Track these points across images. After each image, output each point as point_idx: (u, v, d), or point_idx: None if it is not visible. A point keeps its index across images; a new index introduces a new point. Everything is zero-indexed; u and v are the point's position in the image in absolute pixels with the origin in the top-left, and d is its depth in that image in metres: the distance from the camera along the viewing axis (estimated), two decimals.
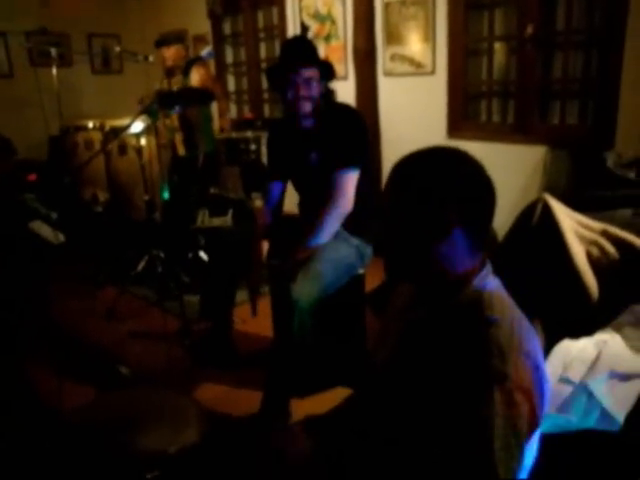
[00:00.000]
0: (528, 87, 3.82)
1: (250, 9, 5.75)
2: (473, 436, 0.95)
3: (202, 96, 4.22)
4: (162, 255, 3.82)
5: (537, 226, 1.90)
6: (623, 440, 1.49)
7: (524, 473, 1.01)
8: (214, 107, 5.00)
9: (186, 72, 4.08)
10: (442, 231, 1.04)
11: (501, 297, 1.07)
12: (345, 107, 2.59)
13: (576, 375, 1.66)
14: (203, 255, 4.00)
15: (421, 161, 1.09)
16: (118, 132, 4.10)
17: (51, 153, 5.73)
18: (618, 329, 1.79)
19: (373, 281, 2.62)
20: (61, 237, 4.32)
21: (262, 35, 5.84)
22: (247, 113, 5.89)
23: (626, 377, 1.64)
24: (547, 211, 1.88)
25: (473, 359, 0.97)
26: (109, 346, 3.13)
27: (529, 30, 3.69)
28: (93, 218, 4.65)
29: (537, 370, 0.99)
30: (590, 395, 1.60)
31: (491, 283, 1.09)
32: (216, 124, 5.01)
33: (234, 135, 4.82)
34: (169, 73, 4.36)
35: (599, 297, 1.83)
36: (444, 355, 1.02)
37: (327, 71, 2.46)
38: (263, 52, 5.88)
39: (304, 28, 5.08)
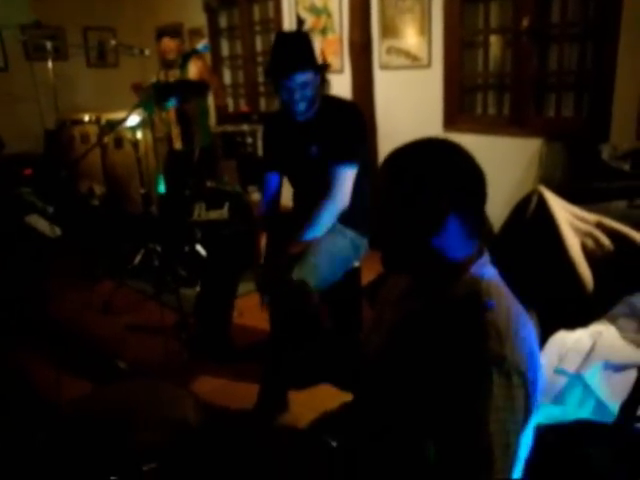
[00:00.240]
0: (524, 80, 3.83)
1: (246, 2, 5.73)
2: (470, 419, 0.96)
3: (198, 88, 4.21)
4: (159, 248, 3.81)
5: (532, 218, 1.91)
6: (617, 430, 1.50)
7: (520, 464, 1.03)
8: (211, 101, 5.00)
9: (182, 65, 4.07)
10: (436, 221, 1.05)
11: (498, 285, 1.09)
12: (343, 101, 2.58)
13: (571, 366, 1.68)
14: (200, 248, 4.00)
15: (413, 152, 1.11)
16: (114, 125, 4.09)
17: (47, 147, 5.71)
18: (613, 320, 1.80)
19: (369, 274, 2.62)
20: (57, 231, 4.32)
21: (258, 28, 5.83)
22: (243, 106, 5.88)
23: (620, 368, 1.66)
24: (542, 203, 1.89)
25: (471, 343, 0.98)
26: (106, 339, 3.14)
27: (524, 23, 3.69)
28: (89, 212, 4.65)
29: (532, 357, 1.00)
30: (585, 386, 1.61)
31: (489, 271, 1.11)
32: (214, 117, 5.01)
33: (230, 128, 4.81)
34: (168, 65, 4.35)
35: (594, 288, 1.83)
36: (442, 341, 1.03)
37: (321, 68, 2.44)
38: (259, 45, 5.87)
39: (300, 21, 5.06)
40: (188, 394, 1.70)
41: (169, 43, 4.53)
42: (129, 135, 3.80)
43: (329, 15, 4.82)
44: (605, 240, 1.88)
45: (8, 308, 3.40)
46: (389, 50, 4.44)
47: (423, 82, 4.30)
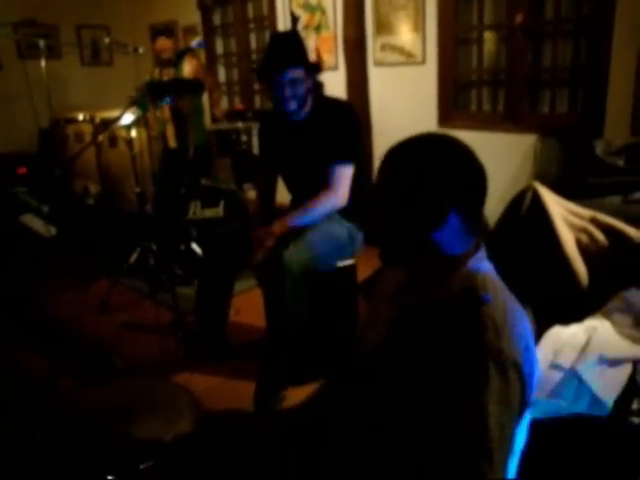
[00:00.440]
0: (518, 76, 3.83)
1: (240, 0, 5.71)
2: (468, 412, 0.96)
3: (193, 86, 4.20)
4: (154, 247, 3.81)
5: (527, 214, 1.91)
6: (611, 424, 1.51)
7: (515, 458, 1.03)
8: (205, 99, 4.99)
9: (177, 63, 4.06)
10: (438, 216, 1.05)
11: (494, 280, 1.09)
12: (338, 101, 2.59)
13: (566, 361, 1.68)
14: (195, 247, 4.00)
15: (413, 148, 1.10)
16: (108, 124, 4.08)
17: (41, 146, 5.69)
18: (607, 315, 1.81)
19: (365, 271, 2.62)
20: (53, 230, 4.31)
21: (252, 26, 5.82)
22: (238, 104, 5.88)
23: (615, 362, 1.67)
24: (537, 199, 1.90)
25: (467, 336, 0.99)
26: (103, 338, 3.13)
27: (518, 19, 3.69)
28: (85, 211, 4.64)
29: (528, 351, 1.01)
30: (580, 380, 1.62)
31: (485, 266, 1.11)
32: (208, 115, 5.00)
33: (225, 126, 4.80)
34: (163, 63, 4.34)
35: (588, 284, 1.84)
36: (439, 335, 1.03)
37: (313, 68, 2.45)
38: (253, 43, 5.86)
39: (294, 18, 5.06)
40: (185, 392, 1.70)
41: (165, 43, 4.52)
42: (123, 134, 3.79)
43: (323, 12, 4.81)
44: (599, 235, 1.89)
45: (4, 308, 3.39)
46: (383, 47, 4.44)
47: (417, 79, 4.30)
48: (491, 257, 1.16)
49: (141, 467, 1.34)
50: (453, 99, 4.24)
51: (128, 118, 3.45)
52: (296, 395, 2.37)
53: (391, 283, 1.29)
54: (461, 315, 1.02)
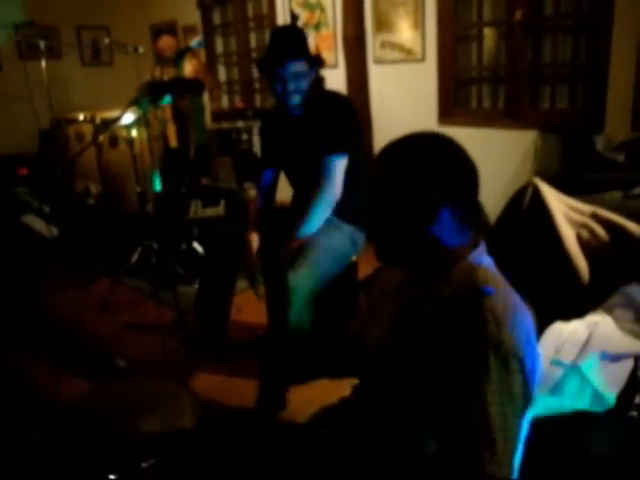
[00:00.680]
0: (518, 72, 3.83)
1: None
2: (469, 402, 0.97)
3: (193, 86, 4.21)
4: (156, 246, 3.81)
5: (527, 210, 1.91)
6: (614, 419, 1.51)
7: (518, 453, 1.03)
8: (206, 99, 4.99)
9: (177, 62, 4.07)
10: (430, 212, 1.07)
11: (495, 273, 1.11)
12: (335, 94, 2.58)
13: (568, 357, 1.68)
14: (197, 246, 4.00)
15: (406, 146, 1.13)
16: (109, 124, 4.08)
17: (42, 146, 5.70)
18: (609, 311, 1.81)
19: (366, 268, 2.62)
20: (54, 230, 4.33)
21: (252, 25, 5.82)
22: (238, 103, 5.88)
23: (617, 358, 1.66)
24: (537, 195, 1.89)
25: (468, 327, 1.00)
26: (104, 338, 3.14)
27: (518, 15, 3.69)
28: (86, 211, 4.65)
29: (529, 345, 1.02)
30: (582, 376, 1.62)
31: (485, 260, 1.13)
32: (208, 115, 5.00)
33: (225, 125, 4.80)
34: (164, 62, 4.35)
35: (590, 279, 1.84)
36: (441, 328, 1.04)
37: (316, 62, 2.44)
38: (253, 42, 5.86)
39: (294, 17, 5.06)
40: (186, 391, 1.71)
41: (169, 41, 4.53)
42: (124, 133, 3.80)
43: (322, 10, 4.81)
44: (600, 231, 1.89)
45: (6, 308, 3.40)
46: (383, 44, 4.44)
47: (417, 76, 4.30)
48: (492, 253, 1.17)
49: (143, 466, 1.34)
50: (453, 96, 4.23)
51: (128, 118, 3.46)
52: (298, 393, 2.37)
53: (392, 281, 1.29)
54: (462, 308, 1.03)
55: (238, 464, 1.32)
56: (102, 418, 1.52)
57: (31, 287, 3.80)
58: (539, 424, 1.39)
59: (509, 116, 3.91)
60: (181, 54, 4.06)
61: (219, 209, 4.12)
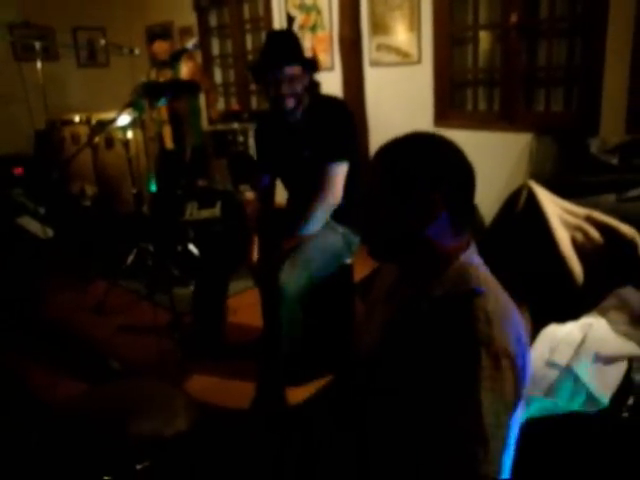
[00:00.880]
0: (513, 75, 3.84)
1: (236, 1, 5.71)
2: (461, 399, 0.97)
3: (189, 88, 4.21)
4: (151, 248, 3.81)
5: (522, 212, 1.92)
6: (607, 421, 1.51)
7: (510, 453, 1.04)
8: (202, 100, 4.99)
9: (173, 64, 4.06)
10: (428, 212, 1.08)
11: (486, 273, 1.12)
12: (332, 100, 2.58)
13: (562, 359, 1.69)
14: (192, 248, 4.00)
15: (404, 146, 1.13)
16: (105, 125, 4.08)
17: (38, 148, 5.68)
18: (603, 313, 1.82)
19: (362, 271, 2.63)
20: (49, 232, 4.32)
21: (248, 27, 5.81)
22: (234, 105, 5.87)
23: (611, 360, 1.67)
24: (532, 197, 1.90)
25: (460, 325, 1.01)
26: (99, 340, 3.13)
27: (513, 18, 3.70)
28: (81, 212, 4.63)
29: (520, 344, 1.02)
30: (576, 378, 1.62)
31: (476, 260, 1.14)
32: (205, 116, 5.00)
33: (221, 127, 4.80)
34: (160, 65, 4.34)
35: (584, 282, 1.85)
36: (434, 327, 1.05)
37: (310, 66, 2.44)
38: (249, 44, 5.85)
39: (290, 19, 5.06)
40: (181, 393, 1.71)
41: (162, 45, 4.53)
42: (120, 135, 3.79)
43: (319, 12, 4.82)
44: (595, 233, 1.90)
45: (2, 309, 3.39)
46: (379, 47, 4.45)
47: (413, 78, 4.31)
48: (487, 255, 1.17)
49: (138, 467, 1.34)
50: (449, 98, 4.24)
51: (124, 119, 3.46)
52: (294, 396, 2.37)
53: (386, 283, 1.30)
54: (454, 307, 1.04)
55: (233, 466, 1.32)
56: (97, 420, 1.51)
57: (27, 289, 3.79)
58: (534, 425, 1.40)
59: (504, 118, 3.92)
60: (177, 56, 4.05)
61: (215, 211, 4.12)
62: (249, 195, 3.99)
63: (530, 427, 1.15)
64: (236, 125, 4.71)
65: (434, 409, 1.00)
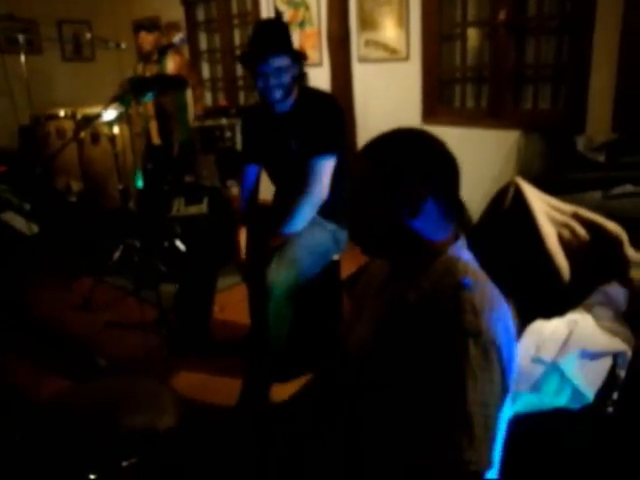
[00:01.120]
0: (501, 72, 3.85)
1: None
2: (449, 388, 0.98)
3: (176, 83, 4.18)
4: (138, 244, 3.79)
5: (509, 209, 1.92)
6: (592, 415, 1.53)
7: (497, 447, 1.04)
8: (189, 95, 4.96)
9: (160, 59, 4.04)
10: (415, 206, 1.09)
11: (474, 267, 1.13)
12: (323, 94, 2.57)
13: (548, 355, 1.69)
14: (179, 244, 3.98)
15: (390, 142, 1.15)
16: (90, 120, 4.05)
17: (22, 143, 5.62)
18: (589, 309, 1.82)
19: (349, 267, 2.63)
20: (35, 228, 4.27)
21: (236, 21, 5.79)
22: (222, 100, 5.84)
23: (596, 355, 1.68)
24: (519, 194, 1.91)
25: (448, 317, 1.02)
26: (86, 337, 3.11)
27: (501, 16, 3.71)
28: (67, 208, 4.60)
29: (507, 336, 1.04)
30: (562, 374, 1.63)
31: (465, 254, 1.15)
32: (191, 112, 4.97)
33: (209, 123, 4.78)
34: (146, 58, 4.31)
35: (570, 278, 1.86)
36: (422, 319, 1.06)
37: (299, 57, 2.42)
38: (237, 39, 5.83)
39: (278, 14, 5.04)
40: (168, 389, 1.70)
41: (146, 37, 4.49)
42: (106, 130, 3.76)
43: (307, 8, 4.80)
44: (581, 230, 1.91)
45: None
46: (367, 43, 4.44)
47: (401, 75, 4.31)
48: (474, 251, 1.18)
49: (123, 465, 1.34)
50: (437, 95, 4.24)
51: (110, 114, 3.43)
52: (281, 392, 2.37)
53: (375, 279, 1.30)
54: (442, 299, 1.06)
55: (219, 463, 1.31)
56: (82, 417, 1.50)
57: (12, 286, 3.75)
58: (520, 421, 1.40)
59: (492, 116, 3.93)
60: (163, 51, 4.02)
61: (202, 207, 4.11)
62: (236, 191, 3.98)
63: (516, 423, 1.15)
64: (224, 121, 4.69)
65: (423, 399, 1.01)
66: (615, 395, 1.58)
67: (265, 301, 2.23)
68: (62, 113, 4.61)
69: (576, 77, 3.44)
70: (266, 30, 2.42)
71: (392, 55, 4.32)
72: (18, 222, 4.34)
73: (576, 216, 1.94)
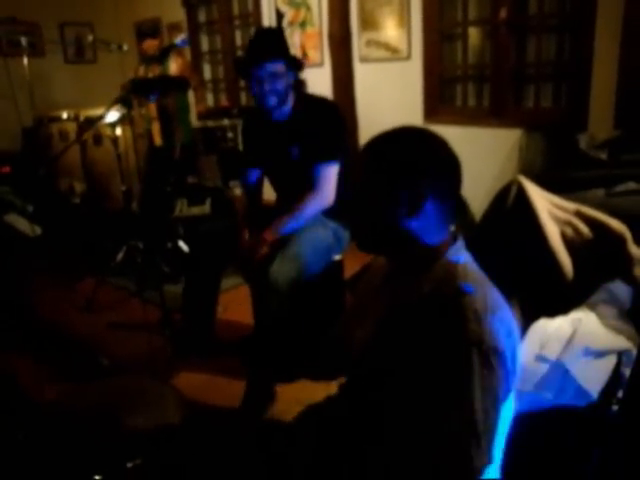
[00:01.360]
0: (503, 71, 3.85)
1: None
2: (454, 399, 0.98)
3: (178, 84, 4.18)
4: (141, 245, 3.79)
5: (512, 208, 1.92)
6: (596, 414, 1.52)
7: (500, 444, 1.04)
8: (191, 97, 4.97)
9: (162, 60, 4.04)
10: (415, 205, 1.08)
11: (474, 269, 1.12)
12: (322, 100, 2.58)
13: (552, 353, 1.69)
14: (182, 245, 3.98)
15: (390, 139, 1.14)
16: (93, 122, 4.05)
17: (25, 145, 5.63)
18: (592, 307, 1.82)
19: (352, 267, 2.63)
20: (38, 230, 4.28)
21: (237, 23, 5.79)
22: (224, 101, 5.85)
23: (600, 354, 1.68)
24: (521, 193, 1.91)
25: (450, 325, 1.01)
26: (89, 337, 3.11)
27: (502, 14, 3.71)
28: (70, 210, 4.61)
29: (510, 336, 1.03)
30: (565, 372, 1.63)
31: (464, 256, 1.14)
32: (193, 113, 4.98)
33: (211, 123, 4.78)
34: (148, 61, 4.32)
35: (574, 276, 1.86)
36: (423, 326, 1.05)
37: (294, 64, 2.42)
38: (239, 40, 5.83)
39: (279, 15, 5.05)
40: (172, 390, 1.70)
41: (153, 43, 4.51)
42: (108, 132, 3.76)
43: (308, 8, 4.80)
44: (584, 228, 1.91)
45: None
46: (368, 43, 4.44)
47: (403, 74, 4.31)
48: (477, 250, 1.17)
49: (128, 466, 1.34)
50: (439, 94, 4.24)
51: (113, 116, 3.43)
52: (284, 392, 2.37)
53: (377, 279, 1.30)
54: (442, 306, 1.05)
55: (223, 463, 1.31)
56: (87, 417, 1.50)
57: (16, 287, 3.76)
58: (523, 419, 1.40)
59: (494, 114, 3.93)
60: (165, 52, 4.03)
61: (205, 207, 4.11)
62: (239, 192, 3.98)
63: (520, 421, 1.15)
64: (226, 121, 4.69)
65: (427, 405, 1.01)
66: (620, 393, 1.58)
67: (268, 299, 2.23)
68: (65, 115, 4.62)
69: (577, 75, 3.44)
70: (263, 36, 2.46)
71: (393, 55, 4.32)
72: (21, 224, 4.36)
73: (579, 214, 1.94)
